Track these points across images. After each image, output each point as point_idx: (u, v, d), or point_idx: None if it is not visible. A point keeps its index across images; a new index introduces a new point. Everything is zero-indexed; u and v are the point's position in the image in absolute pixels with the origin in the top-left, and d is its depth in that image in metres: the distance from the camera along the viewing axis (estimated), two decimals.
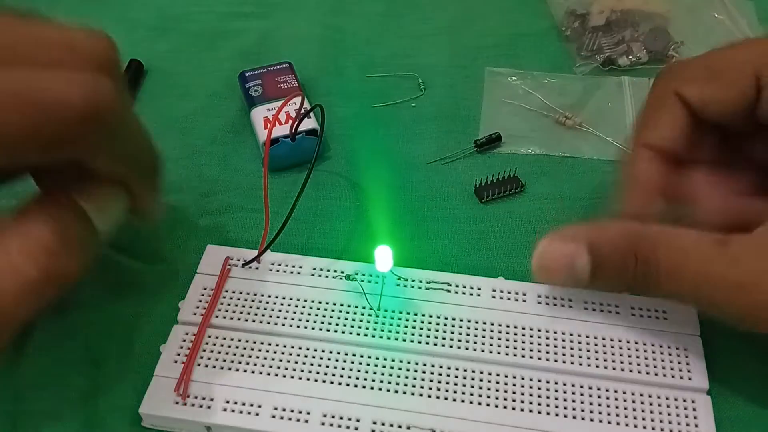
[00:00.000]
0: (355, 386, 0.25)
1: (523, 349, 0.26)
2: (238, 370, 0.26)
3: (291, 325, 0.27)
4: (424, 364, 0.26)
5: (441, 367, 0.26)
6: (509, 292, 0.28)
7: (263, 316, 0.28)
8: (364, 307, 0.28)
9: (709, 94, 0.23)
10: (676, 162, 0.25)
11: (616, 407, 0.25)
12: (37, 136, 0.18)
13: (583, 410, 0.25)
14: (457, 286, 0.29)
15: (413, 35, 0.46)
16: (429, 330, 0.27)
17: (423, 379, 0.26)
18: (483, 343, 0.27)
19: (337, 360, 0.26)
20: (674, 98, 0.23)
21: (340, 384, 0.25)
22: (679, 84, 0.23)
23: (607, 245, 0.23)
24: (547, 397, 0.25)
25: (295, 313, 0.28)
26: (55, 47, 0.20)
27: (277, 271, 0.29)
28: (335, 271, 0.29)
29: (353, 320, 0.27)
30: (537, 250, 0.24)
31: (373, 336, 0.27)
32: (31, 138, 0.18)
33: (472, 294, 0.28)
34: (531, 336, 0.27)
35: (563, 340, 0.27)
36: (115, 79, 0.20)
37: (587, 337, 0.27)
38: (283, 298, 0.28)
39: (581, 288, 0.24)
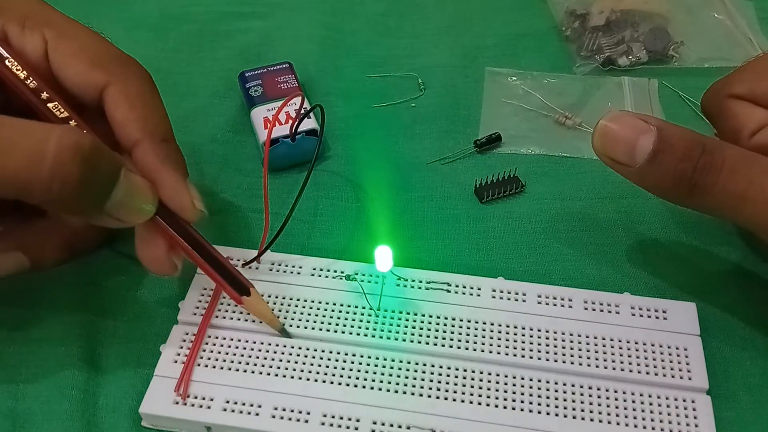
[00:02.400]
0: (355, 386, 0.25)
1: (523, 349, 0.26)
2: (238, 370, 0.26)
3: (291, 325, 0.27)
4: (424, 364, 0.26)
5: (441, 367, 0.26)
6: (509, 292, 0.28)
7: None
8: (364, 307, 0.28)
9: (761, 89, 0.24)
10: None
11: (616, 407, 0.25)
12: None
13: (583, 410, 0.25)
14: (457, 286, 0.29)
15: (413, 35, 0.46)
16: (429, 330, 0.27)
17: (423, 379, 0.26)
18: (483, 343, 0.27)
19: (337, 360, 0.26)
20: (728, 102, 0.25)
21: (340, 384, 0.25)
22: (728, 89, 0.25)
23: (676, 134, 0.23)
24: (547, 397, 0.25)
25: (295, 313, 0.28)
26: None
27: (277, 271, 0.29)
28: (335, 271, 0.29)
29: (353, 320, 0.27)
30: (607, 116, 0.23)
31: (373, 336, 0.27)
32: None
33: (472, 294, 0.28)
34: (531, 336, 0.27)
35: (563, 340, 0.27)
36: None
37: (587, 337, 0.27)
38: (283, 298, 0.28)
39: (627, 174, 0.23)
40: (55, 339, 0.28)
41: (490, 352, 0.26)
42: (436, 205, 0.34)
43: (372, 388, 0.25)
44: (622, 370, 0.26)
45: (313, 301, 0.28)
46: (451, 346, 0.27)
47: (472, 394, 0.25)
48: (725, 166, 0.22)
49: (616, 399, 0.25)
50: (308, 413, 0.25)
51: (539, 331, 0.27)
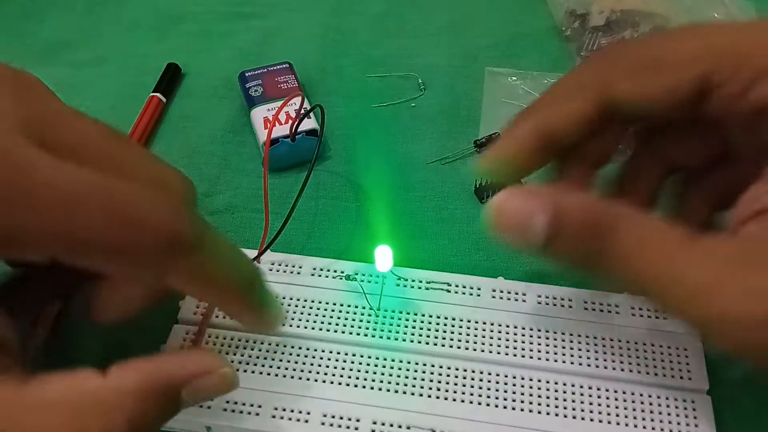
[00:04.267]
0: (355, 386, 0.25)
1: (523, 349, 0.26)
2: (238, 370, 0.26)
3: (291, 325, 0.27)
4: (424, 364, 0.26)
5: (441, 367, 0.26)
6: (509, 292, 0.28)
7: None
8: (364, 307, 0.28)
9: (640, 89, 0.21)
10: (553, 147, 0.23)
11: (616, 407, 0.25)
12: (109, 242, 0.19)
13: (583, 410, 0.25)
14: (457, 286, 0.29)
15: (413, 35, 0.46)
16: (429, 330, 0.27)
17: (423, 379, 0.26)
18: (483, 343, 0.27)
19: (337, 360, 0.26)
20: (596, 86, 0.21)
21: (340, 384, 0.25)
22: (608, 74, 0.21)
23: (569, 211, 0.20)
24: (547, 397, 0.25)
25: (295, 313, 0.28)
26: (149, 171, 0.21)
27: (277, 271, 0.29)
28: (335, 271, 0.29)
29: (353, 320, 0.27)
30: (497, 198, 0.21)
31: (373, 336, 0.27)
32: (100, 243, 0.18)
33: (472, 294, 0.28)
34: (531, 336, 0.27)
35: (563, 340, 0.27)
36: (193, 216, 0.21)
37: (587, 337, 0.27)
38: (283, 298, 0.28)
39: (530, 252, 0.21)
40: (55, 339, 0.28)
41: (490, 352, 0.26)
42: (436, 205, 0.34)
43: (372, 388, 0.25)
44: (622, 370, 0.26)
45: (313, 301, 0.28)
46: (451, 346, 0.27)
47: (472, 394, 0.25)
48: (617, 252, 0.20)
49: (616, 399, 0.25)
50: (308, 413, 0.25)
51: (539, 331, 0.27)
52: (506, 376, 0.26)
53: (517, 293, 0.28)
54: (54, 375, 0.20)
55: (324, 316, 0.27)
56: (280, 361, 0.26)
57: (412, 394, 0.25)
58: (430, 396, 0.25)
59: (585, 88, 0.22)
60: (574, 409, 0.25)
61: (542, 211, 0.20)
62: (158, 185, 0.21)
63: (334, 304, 0.28)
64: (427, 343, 0.27)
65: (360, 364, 0.26)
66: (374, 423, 0.24)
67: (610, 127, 0.23)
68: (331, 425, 0.24)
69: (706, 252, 0.19)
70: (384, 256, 0.27)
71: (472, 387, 0.25)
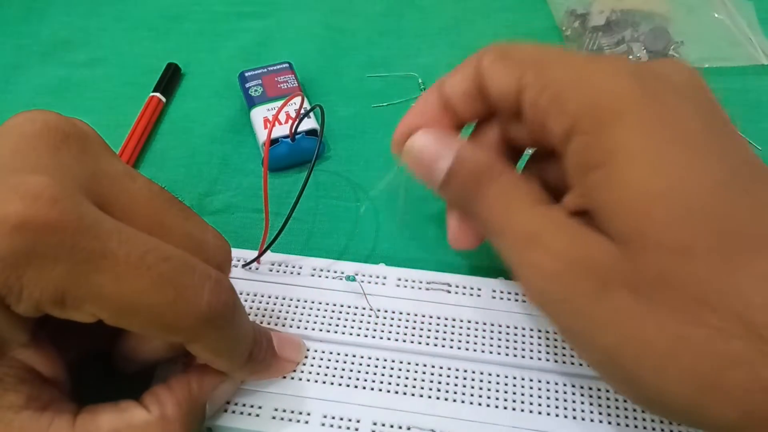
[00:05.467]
0: (356, 387, 0.25)
1: (523, 350, 0.26)
2: None
3: (291, 326, 0.27)
4: (425, 365, 0.26)
5: (441, 367, 0.26)
6: (509, 293, 0.28)
7: (263, 316, 0.28)
8: (364, 308, 0.28)
9: (492, 69, 0.24)
10: (452, 113, 0.26)
11: (617, 408, 0.25)
12: (156, 311, 0.19)
13: (583, 411, 0.25)
14: (457, 286, 0.29)
15: (413, 35, 0.46)
16: (429, 330, 0.27)
17: (423, 380, 0.26)
18: (483, 344, 0.27)
19: (337, 361, 0.26)
20: (476, 62, 0.24)
21: (340, 385, 0.25)
22: (484, 53, 0.25)
23: (464, 160, 0.24)
24: (547, 398, 0.25)
25: (295, 313, 0.28)
26: (192, 233, 0.22)
27: (277, 271, 0.29)
28: (335, 272, 0.29)
29: (353, 321, 0.27)
30: (415, 137, 0.25)
31: (373, 337, 0.27)
32: (148, 311, 0.19)
33: (472, 294, 0.28)
34: (531, 336, 0.27)
35: (563, 341, 0.27)
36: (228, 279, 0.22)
37: None
38: (283, 299, 0.28)
39: (432, 188, 0.25)
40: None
41: (491, 352, 0.26)
42: (437, 205, 0.34)
43: (372, 388, 0.25)
44: None
45: (313, 302, 0.28)
46: (451, 347, 0.27)
47: (472, 395, 0.25)
48: (485, 206, 0.23)
49: (616, 400, 0.25)
50: (308, 414, 0.25)
51: (539, 331, 0.27)
52: (506, 377, 0.26)
53: (517, 293, 0.28)
54: (101, 409, 0.21)
55: (324, 317, 0.27)
56: None
57: (413, 394, 0.25)
58: (430, 397, 0.25)
59: (469, 60, 0.25)
60: (574, 410, 0.25)
61: (446, 157, 0.24)
62: (200, 248, 0.22)
63: (334, 305, 0.28)
64: (428, 344, 0.27)
65: (360, 364, 0.26)
66: (374, 424, 0.24)
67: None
68: (331, 426, 0.24)
69: (540, 214, 0.22)
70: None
71: (473, 388, 0.25)
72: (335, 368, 0.26)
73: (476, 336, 0.27)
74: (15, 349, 0.20)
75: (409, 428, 0.24)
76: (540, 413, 0.25)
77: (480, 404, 0.25)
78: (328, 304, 0.28)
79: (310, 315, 0.28)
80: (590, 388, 0.25)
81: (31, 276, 0.17)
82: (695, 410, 0.18)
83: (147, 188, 0.22)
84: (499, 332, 0.27)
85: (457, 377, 0.26)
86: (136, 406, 0.21)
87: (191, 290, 0.20)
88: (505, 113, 0.25)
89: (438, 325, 0.27)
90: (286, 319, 0.27)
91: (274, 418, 0.25)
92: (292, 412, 0.25)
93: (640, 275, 0.19)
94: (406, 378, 0.26)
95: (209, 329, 0.20)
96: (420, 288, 0.28)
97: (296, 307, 0.28)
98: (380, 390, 0.25)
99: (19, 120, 0.20)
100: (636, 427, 0.24)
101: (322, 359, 0.26)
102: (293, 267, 0.29)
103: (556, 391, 0.25)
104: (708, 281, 0.18)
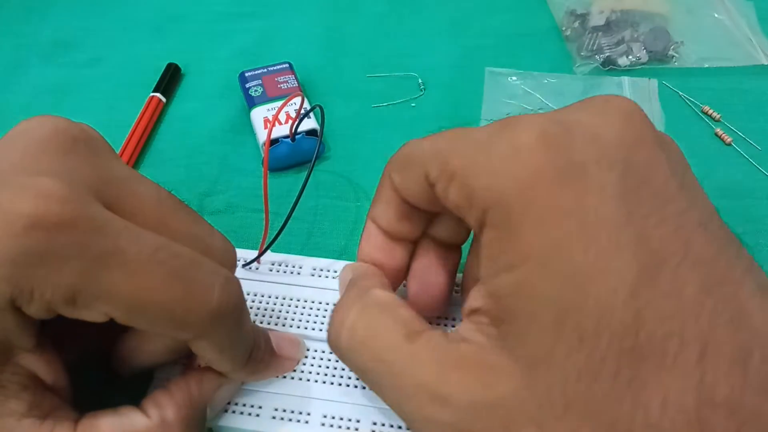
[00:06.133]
0: (355, 387, 0.25)
1: None
2: None
3: (291, 326, 0.27)
4: None
5: None
6: None
7: (263, 316, 0.28)
8: None
9: (403, 182, 0.23)
10: (400, 239, 0.25)
11: None
12: (167, 308, 0.19)
13: None
14: (457, 286, 0.29)
15: (413, 35, 0.46)
16: None
17: None
18: None
19: (337, 361, 0.26)
20: (389, 180, 0.24)
21: (340, 385, 0.25)
22: (391, 168, 0.24)
23: (350, 282, 0.24)
24: None
25: (295, 313, 0.28)
26: (199, 235, 0.22)
27: (278, 271, 0.29)
28: (335, 272, 0.29)
29: None
30: (342, 269, 0.26)
31: None
32: (159, 307, 0.19)
33: None
34: None
35: None
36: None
37: None
38: (284, 299, 0.28)
39: None
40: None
41: None
42: None
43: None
44: None
45: (313, 302, 0.28)
46: None
47: None
48: (356, 339, 0.22)
49: None
50: (308, 414, 0.25)
51: None
52: None
53: None
54: (101, 416, 0.21)
55: (324, 317, 0.27)
56: None
57: None
58: None
59: (384, 183, 0.24)
60: None
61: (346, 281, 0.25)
62: (207, 251, 0.22)
63: (335, 305, 0.28)
64: None
65: None
66: (374, 424, 0.24)
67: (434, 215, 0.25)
68: (331, 426, 0.24)
69: (420, 353, 0.20)
70: None
71: None
72: (335, 368, 0.26)
73: None
74: (20, 354, 0.20)
75: (409, 428, 0.24)
76: None
77: None
78: (328, 303, 0.28)
79: (310, 315, 0.28)
80: None
81: (43, 276, 0.17)
82: None
83: (155, 192, 0.22)
84: None
85: None
86: (136, 411, 0.21)
87: (202, 286, 0.20)
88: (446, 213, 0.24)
89: (438, 325, 0.27)
90: (286, 318, 0.27)
91: (274, 417, 0.25)
92: (293, 411, 0.25)
93: (544, 405, 0.17)
94: None
95: (217, 326, 0.20)
96: None
97: (296, 306, 0.28)
98: None
99: (29, 124, 0.21)
100: None
101: (322, 359, 0.26)
102: (293, 267, 0.29)
103: None
104: (615, 408, 0.16)
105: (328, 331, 0.23)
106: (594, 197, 0.18)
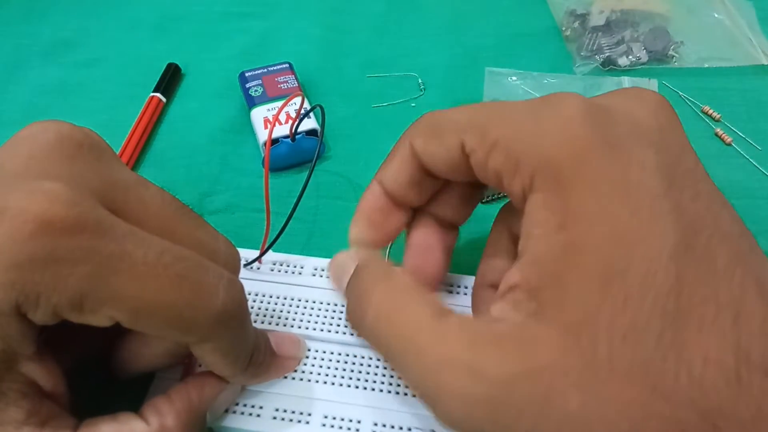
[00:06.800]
0: (356, 387, 0.25)
1: None
2: None
3: (293, 326, 0.27)
4: None
5: None
6: None
7: (264, 316, 0.28)
8: None
9: (429, 148, 0.23)
10: (402, 204, 0.26)
11: None
12: (173, 311, 0.19)
13: None
14: (458, 286, 0.29)
15: (413, 35, 0.46)
16: None
17: None
18: None
19: (338, 361, 0.26)
20: (408, 146, 0.24)
21: (341, 385, 0.25)
22: (412, 134, 0.24)
23: (360, 269, 0.24)
24: None
25: (296, 313, 0.28)
26: (203, 239, 0.22)
27: (279, 271, 0.29)
28: None
29: None
30: (337, 255, 0.26)
31: None
32: (165, 311, 0.19)
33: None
34: None
35: None
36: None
37: None
38: (285, 299, 0.28)
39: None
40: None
41: None
42: None
43: (373, 389, 0.25)
44: None
45: (314, 302, 0.28)
46: None
47: None
48: (370, 314, 0.22)
49: None
50: (309, 414, 0.25)
51: None
52: None
53: None
54: (100, 422, 0.21)
55: (325, 317, 0.27)
56: None
57: (413, 395, 0.25)
58: None
59: (400, 147, 0.25)
60: None
61: (348, 270, 0.24)
62: (211, 255, 0.22)
63: (335, 305, 0.28)
64: None
65: (361, 365, 0.26)
66: (375, 424, 0.24)
67: (441, 187, 0.26)
68: (332, 426, 0.24)
69: (450, 331, 0.20)
70: None
71: None
72: (336, 368, 0.26)
73: None
74: (21, 361, 0.20)
75: (409, 429, 0.24)
76: None
77: None
78: (329, 303, 0.28)
79: (311, 315, 0.28)
80: None
81: (50, 281, 0.17)
82: None
83: (159, 197, 0.22)
84: None
85: None
86: (136, 418, 0.21)
87: (207, 289, 0.20)
88: (459, 183, 0.24)
89: None
90: (287, 318, 0.27)
91: (275, 418, 0.25)
92: (293, 412, 0.25)
93: (587, 369, 0.17)
94: None
95: (222, 328, 0.20)
96: None
97: (298, 306, 0.28)
98: (381, 390, 0.25)
99: (33, 129, 0.21)
100: None
101: (323, 359, 0.26)
102: (294, 267, 0.29)
103: None
104: (659, 367, 0.17)
105: (349, 309, 0.23)
106: (636, 169, 0.19)
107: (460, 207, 0.26)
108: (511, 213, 0.25)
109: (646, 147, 0.19)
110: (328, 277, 0.29)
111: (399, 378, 0.25)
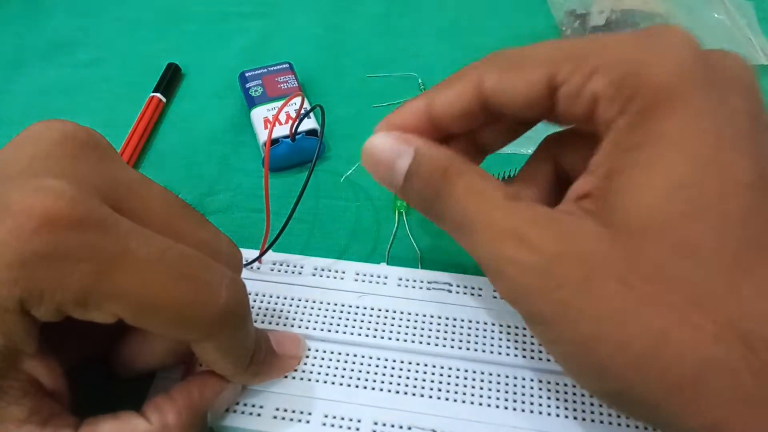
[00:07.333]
0: (356, 387, 0.25)
1: (524, 350, 0.26)
2: None
3: (293, 326, 0.27)
4: (426, 365, 0.26)
5: (442, 367, 0.26)
6: None
7: (264, 316, 0.28)
8: (365, 308, 0.28)
9: (504, 83, 0.23)
10: (440, 129, 0.25)
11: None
12: (176, 309, 0.19)
13: (584, 411, 0.25)
14: (458, 286, 0.29)
15: (413, 35, 0.46)
16: (430, 330, 0.27)
17: (424, 380, 0.26)
18: (484, 344, 0.27)
19: (338, 360, 0.26)
20: (475, 80, 0.23)
21: (341, 384, 0.25)
22: (484, 68, 0.23)
23: (426, 156, 0.23)
24: (548, 398, 0.25)
25: (296, 313, 0.28)
26: (205, 238, 0.22)
27: (279, 271, 0.29)
28: (336, 272, 0.29)
29: (354, 320, 0.27)
30: (372, 139, 0.24)
31: (374, 336, 0.27)
32: (168, 308, 0.19)
33: (473, 294, 0.28)
34: (532, 336, 0.27)
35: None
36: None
37: None
38: (285, 298, 0.28)
39: (393, 191, 0.24)
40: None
41: (492, 352, 0.26)
42: None
43: (373, 388, 0.25)
44: None
45: (314, 302, 0.28)
46: (452, 347, 0.27)
47: (473, 395, 0.25)
48: (454, 198, 0.22)
49: None
50: (309, 414, 0.25)
51: None
52: (507, 377, 0.26)
53: None
54: (101, 421, 0.21)
55: (325, 317, 0.27)
56: None
57: (414, 394, 0.25)
58: (431, 396, 0.25)
59: (464, 78, 0.24)
60: (575, 410, 0.25)
61: (405, 155, 0.23)
62: (214, 254, 0.22)
63: (335, 305, 0.28)
64: (429, 344, 0.27)
65: (361, 364, 0.26)
66: (375, 424, 0.24)
67: (492, 121, 0.25)
68: (333, 426, 0.24)
69: (517, 210, 0.21)
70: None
71: (474, 387, 0.25)
72: (336, 368, 0.26)
73: (477, 336, 0.27)
74: (23, 359, 0.20)
75: (410, 428, 0.24)
76: (541, 413, 0.25)
77: (482, 404, 0.25)
78: (329, 303, 0.28)
79: (311, 314, 0.28)
80: None
81: (54, 277, 0.17)
82: (663, 412, 0.18)
83: (162, 195, 0.22)
84: (501, 332, 0.27)
85: (458, 377, 0.26)
86: (137, 416, 0.21)
87: (210, 287, 0.20)
88: (515, 120, 0.24)
89: (439, 324, 0.27)
90: (287, 318, 0.27)
91: (275, 417, 0.25)
92: (294, 411, 0.25)
93: (632, 267, 0.18)
94: (408, 378, 0.26)
95: (224, 327, 0.20)
96: (421, 288, 0.28)
97: (298, 306, 0.28)
98: (381, 390, 0.25)
99: (36, 128, 0.21)
100: (637, 427, 0.24)
101: (323, 359, 0.26)
102: (294, 266, 0.29)
103: (557, 391, 0.25)
104: (706, 283, 0.17)
105: (425, 183, 0.23)
106: (725, 108, 0.19)
107: (500, 138, 0.26)
108: (560, 144, 0.25)
109: (736, 93, 0.20)
110: (364, 164, 0.25)
111: (468, 251, 0.23)
